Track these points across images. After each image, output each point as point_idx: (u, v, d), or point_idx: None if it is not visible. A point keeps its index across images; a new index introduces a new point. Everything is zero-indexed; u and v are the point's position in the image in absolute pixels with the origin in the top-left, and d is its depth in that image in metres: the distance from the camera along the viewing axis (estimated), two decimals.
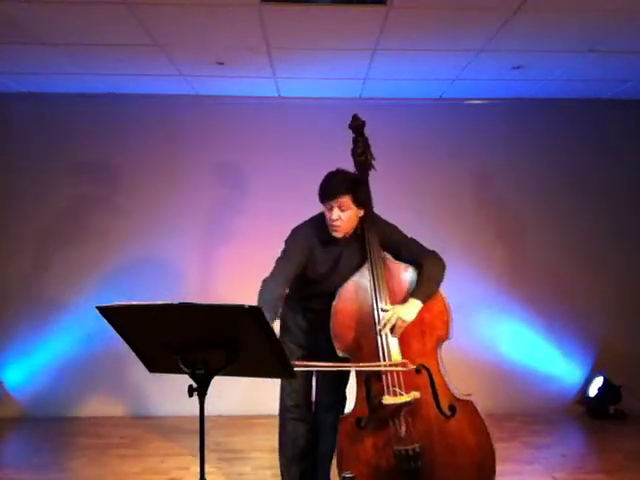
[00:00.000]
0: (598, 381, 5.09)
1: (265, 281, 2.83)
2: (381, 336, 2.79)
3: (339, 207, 2.83)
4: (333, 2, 3.34)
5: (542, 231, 5.26)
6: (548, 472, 3.89)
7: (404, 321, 2.76)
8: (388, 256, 2.98)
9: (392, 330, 2.78)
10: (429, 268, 2.86)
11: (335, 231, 2.90)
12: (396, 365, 2.75)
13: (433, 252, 2.96)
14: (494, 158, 5.25)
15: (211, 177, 5.17)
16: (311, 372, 3.11)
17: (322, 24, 3.65)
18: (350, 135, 3.17)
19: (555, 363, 5.25)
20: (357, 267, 2.94)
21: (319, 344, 2.98)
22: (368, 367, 2.79)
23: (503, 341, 5.21)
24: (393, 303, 2.83)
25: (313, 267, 2.97)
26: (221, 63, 4.32)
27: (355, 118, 3.12)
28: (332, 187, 2.85)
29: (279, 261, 2.93)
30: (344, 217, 2.85)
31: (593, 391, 5.10)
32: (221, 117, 5.19)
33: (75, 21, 3.60)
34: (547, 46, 3.99)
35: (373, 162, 3.10)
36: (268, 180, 5.11)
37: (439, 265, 2.91)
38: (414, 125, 5.21)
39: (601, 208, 5.27)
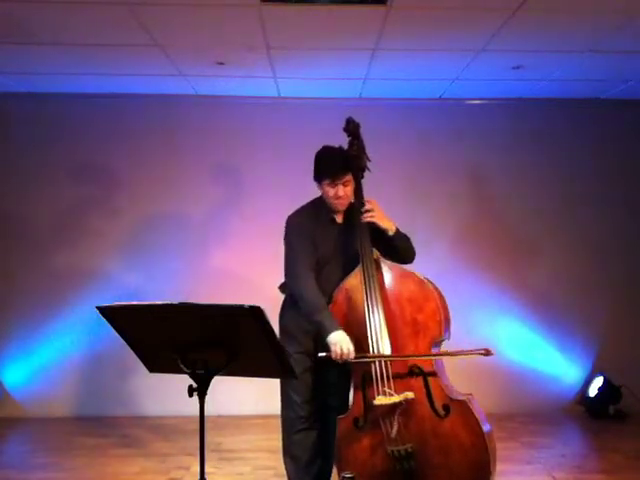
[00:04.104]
0: (598, 381, 5.09)
1: (297, 285, 2.90)
2: (371, 333, 2.77)
3: (343, 184, 2.93)
4: (333, 2, 3.34)
5: (542, 231, 5.25)
6: (548, 472, 3.88)
7: (378, 216, 2.92)
8: (382, 258, 2.96)
9: (367, 213, 2.93)
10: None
11: (340, 206, 2.99)
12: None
13: None
14: (494, 158, 5.25)
15: (210, 177, 5.17)
16: (321, 380, 3.06)
17: (322, 24, 3.65)
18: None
19: (555, 363, 5.25)
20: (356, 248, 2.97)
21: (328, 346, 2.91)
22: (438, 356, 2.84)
23: (503, 341, 5.21)
24: (386, 305, 2.82)
25: (317, 250, 2.99)
26: (221, 63, 4.32)
27: (350, 121, 3.08)
28: (337, 168, 2.92)
29: (293, 258, 2.97)
30: (348, 192, 2.96)
31: (593, 391, 5.10)
32: (221, 117, 5.19)
33: (75, 21, 3.60)
34: (547, 46, 3.99)
35: (368, 164, 3.06)
36: (268, 180, 5.10)
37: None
38: (414, 125, 5.21)
39: (601, 208, 5.26)
